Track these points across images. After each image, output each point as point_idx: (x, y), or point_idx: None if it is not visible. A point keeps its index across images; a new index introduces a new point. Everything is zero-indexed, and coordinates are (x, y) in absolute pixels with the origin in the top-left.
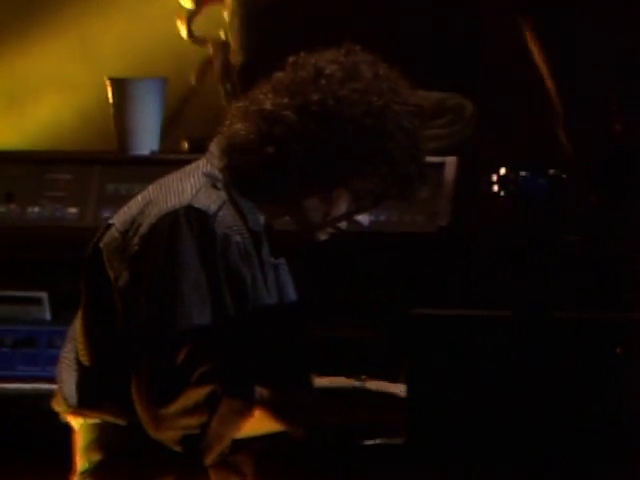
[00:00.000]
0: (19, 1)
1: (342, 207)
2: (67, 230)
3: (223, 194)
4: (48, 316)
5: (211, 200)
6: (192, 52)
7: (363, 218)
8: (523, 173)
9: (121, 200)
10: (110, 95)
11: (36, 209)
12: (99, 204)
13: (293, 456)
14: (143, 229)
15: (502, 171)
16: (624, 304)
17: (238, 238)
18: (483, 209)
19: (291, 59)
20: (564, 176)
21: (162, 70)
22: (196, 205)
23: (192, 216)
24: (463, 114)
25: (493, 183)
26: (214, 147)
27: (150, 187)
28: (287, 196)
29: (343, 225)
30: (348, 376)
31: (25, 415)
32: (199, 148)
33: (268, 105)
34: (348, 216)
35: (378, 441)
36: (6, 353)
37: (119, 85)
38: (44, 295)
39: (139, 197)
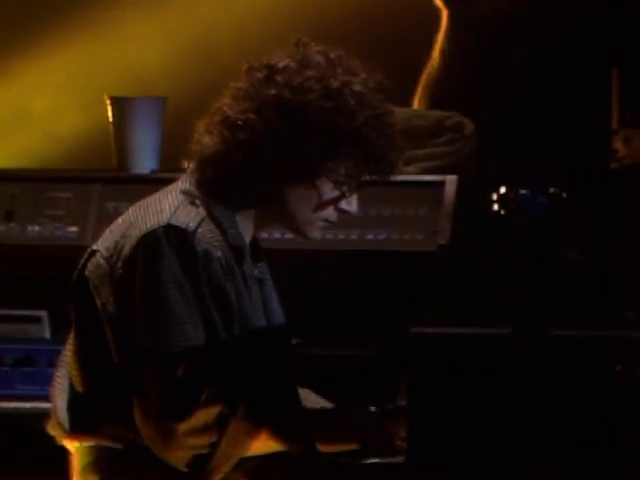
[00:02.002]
0: (18, 19)
1: (326, 197)
2: (67, 249)
3: (202, 210)
4: (48, 335)
5: (190, 217)
6: (192, 71)
7: (349, 205)
8: (523, 191)
9: None
10: (110, 114)
11: (36, 227)
12: (99, 223)
13: (291, 474)
14: (125, 252)
15: (502, 189)
16: (624, 322)
17: (219, 253)
18: (483, 227)
19: (245, 66)
20: (564, 194)
21: (162, 89)
22: (175, 223)
23: (171, 234)
24: (463, 132)
25: (493, 201)
26: (191, 165)
27: (130, 209)
28: (269, 198)
29: (332, 216)
30: (352, 399)
31: (24, 434)
32: None
33: (230, 113)
34: (334, 204)
35: (378, 460)
36: (5, 372)
37: (119, 103)
38: (44, 314)
39: (119, 220)
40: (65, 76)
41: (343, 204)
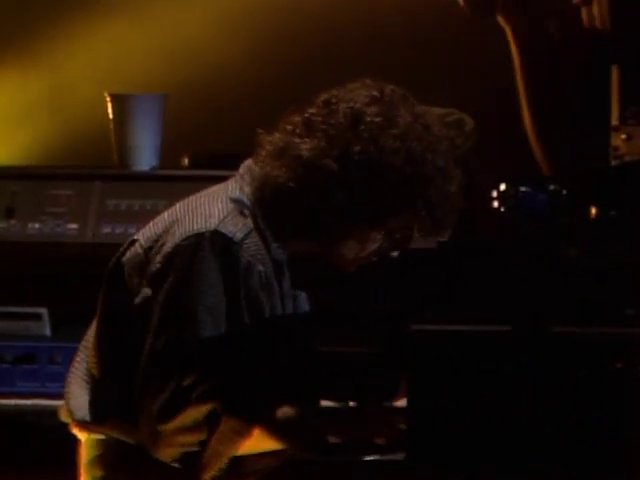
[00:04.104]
0: (18, 19)
1: (376, 244)
2: (67, 246)
3: (250, 222)
4: (48, 332)
5: (237, 228)
6: (194, 67)
7: (395, 252)
8: (523, 188)
9: (121, 215)
10: (110, 111)
11: (36, 225)
12: (99, 220)
13: (294, 473)
14: (167, 248)
15: (502, 186)
16: (624, 319)
17: (261, 267)
18: (483, 224)
19: (322, 97)
20: (564, 191)
21: (162, 86)
22: (222, 230)
23: (217, 241)
24: (463, 129)
25: (493, 198)
26: (246, 173)
27: (177, 205)
28: (323, 239)
29: (374, 258)
30: (349, 399)
31: (25, 431)
32: (199, 164)
33: (305, 151)
34: (381, 252)
35: (379, 457)
36: (6, 369)
37: (119, 101)
38: (44, 311)
39: (165, 215)
40: (65, 73)
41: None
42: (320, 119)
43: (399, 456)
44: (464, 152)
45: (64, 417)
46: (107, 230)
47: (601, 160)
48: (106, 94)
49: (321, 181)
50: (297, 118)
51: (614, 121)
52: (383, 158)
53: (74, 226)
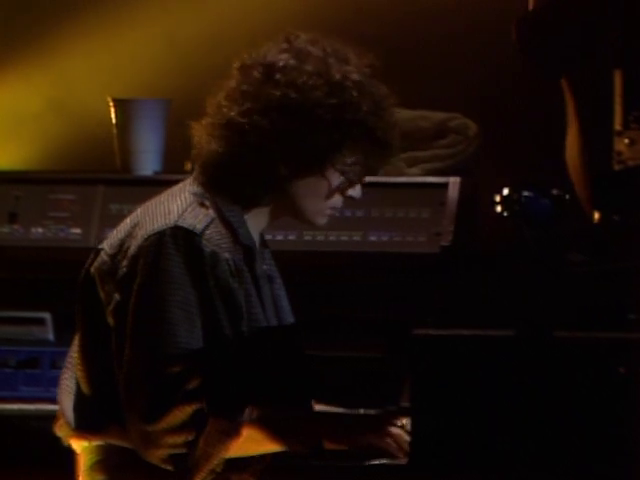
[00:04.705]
0: (21, 23)
1: (335, 186)
2: (70, 250)
3: (211, 212)
4: (51, 336)
5: (198, 219)
6: (197, 72)
7: (355, 191)
8: (526, 193)
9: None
10: (113, 115)
11: (39, 229)
12: (102, 224)
13: (295, 475)
14: (131, 251)
15: (505, 191)
16: (627, 324)
17: (227, 255)
18: (486, 229)
19: (237, 64)
20: (567, 196)
21: (165, 90)
22: (182, 224)
23: (178, 236)
24: (466, 134)
25: (496, 203)
26: (196, 168)
27: (138, 209)
28: (279, 194)
29: (339, 203)
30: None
31: (28, 436)
32: None
33: (233, 115)
34: (341, 192)
35: (381, 461)
36: (9, 373)
37: (122, 105)
38: (47, 315)
39: (127, 220)
40: (68, 78)
41: (349, 190)
42: (238, 84)
43: (402, 461)
44: (468, 156)
45: (59, 431)
46: None
47: (604, 165)
48: (109, 99)
49: (255, 138)
50: (220, 94)
51: (617, 126)
52: (305, 96)
53: (77, 231)
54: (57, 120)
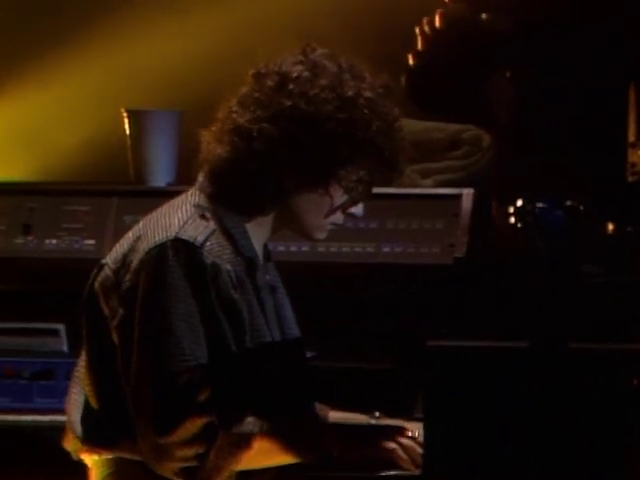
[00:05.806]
0: (34, 35)
1: (337, 203)
2: (85, 262)
3: (212, 224)
4: (65, 348)
5: (198, 231)
6: (210, 83)
7: (357, 209)
8: (540, 204)
9: None
10: (127, 127)
11: (54, 241)
12: (116, 236)
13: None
14: (134, 265)
15: (519, 202)
16: None
17: (228, 266)
18: (500, 240)
19: (252, 72)
20: (581, 207)
21: (179, 102)
22: (183, 237)
23: (179, 248)
24: (480, 145)
25: (510, 214)
26: (201, 176)
27: (140, 223)
28: (281, 205)
29: (340, 220)
30: (363, 411)
31: (42, 447)
32: None
33: (242, 121)
34: (343, 209)
35: (395, 472)
36: (23, 385)
37: (136, 117)
38: (61, 327)
39: (130, 234)
40: (82, 89)
41: (352, 208)
42: (251, 91)
43: (414, 472)
44: (481, 168)
45: (68, 445)
46: None
47: (618, 176)
48: (123, 110)
49: (260, 146)
50: (232, 100)
51: (631, 137)
52: (315, 109)
53: (91, 242)
54: (71, 132)
